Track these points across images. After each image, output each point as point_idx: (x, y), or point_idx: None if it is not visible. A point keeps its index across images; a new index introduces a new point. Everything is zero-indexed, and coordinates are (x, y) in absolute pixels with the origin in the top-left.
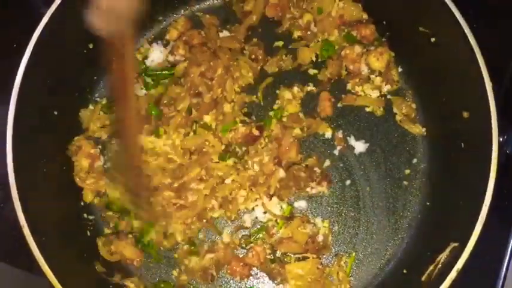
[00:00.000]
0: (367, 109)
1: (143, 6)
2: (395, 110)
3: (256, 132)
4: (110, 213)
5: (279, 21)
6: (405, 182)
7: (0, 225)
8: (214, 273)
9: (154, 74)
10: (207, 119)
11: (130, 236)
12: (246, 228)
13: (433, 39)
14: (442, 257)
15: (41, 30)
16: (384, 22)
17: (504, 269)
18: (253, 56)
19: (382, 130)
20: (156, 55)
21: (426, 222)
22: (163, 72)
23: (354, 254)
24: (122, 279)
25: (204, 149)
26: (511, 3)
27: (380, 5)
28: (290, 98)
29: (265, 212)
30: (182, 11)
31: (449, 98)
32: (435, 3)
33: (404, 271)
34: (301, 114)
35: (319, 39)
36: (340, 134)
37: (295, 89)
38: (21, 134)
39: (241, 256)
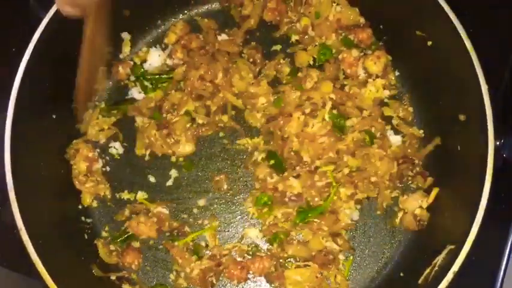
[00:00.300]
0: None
1: None
2: (392, 114)
3: None
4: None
5: (276, 25)
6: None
7: None
8: (214, 281)
9: (153, 77)
10: None
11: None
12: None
13: (429, 43)
14: (439, 259)
15: (39, 34)
16: (381, 26)
17: (502, 272)
18: (251, 60)
19: None
20: (155, 59)
21: None
22: (162, 76)
23: (351, 257)
24: (119, 282)
25: None
26: (507, 7)
27: (377, 9)
28: None
29: None
30: (181, 15)
31: (446, 101)
32: (432, 7)
33: (402, 274)
34: None
35: (317, 43)
36: None
37: None
38: (20, 137)
39: (239, 260)
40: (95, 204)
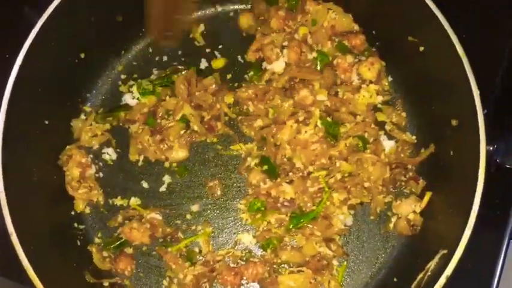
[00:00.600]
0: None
1: None
2: (385, 119)
3: None
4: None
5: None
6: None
7: None
8: (208, 287)
9: (153, 80)
10: None
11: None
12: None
13: (421, 48)
14: (432, 264)
15: (32, 39)
16: (374, 32)
17: (496, 278)
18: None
19: None
20: None
21: None
22: (165, 79)
23: (345, 262)
24: None
25: None
26: (499, 13)
27: (370, 15)
28: None
29: None
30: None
31: (438, 107)
32: (424, 13)
33: (395, 279)
34: None
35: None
36: None
37: None
38: (12, 142)
39: (232, 266)
40: (87, 210)
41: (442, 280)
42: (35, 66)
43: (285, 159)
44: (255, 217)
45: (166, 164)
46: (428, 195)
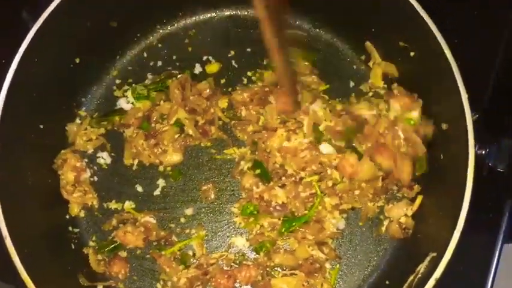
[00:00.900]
0: None
1: None
2: None
3: None
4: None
5: None
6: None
7: None
8: None
9: (147, 85)
10: None
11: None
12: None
13: (412, 54)
14: (422, 267)
15: (27, 44)
16: (365, 38)
17: (490, 281)
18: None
19: None
20: None
21: None
22: (160, 84)
23: (338, 265)
24: None
25: None
26: (490, 18)
27: (361, 22)
28: None
29: None
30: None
31: (429, 111)
32: (414, 20)
33: (387, 282)
34: None
35: None
36: None
37: None
38: (6, 147)
39: (226, 269)
40: (82, 213)
41: (431, 282)
42: (30, 70)
43: (277, 165)
44: (248, 221)
45: (161, 168)
46: (419, 199)
